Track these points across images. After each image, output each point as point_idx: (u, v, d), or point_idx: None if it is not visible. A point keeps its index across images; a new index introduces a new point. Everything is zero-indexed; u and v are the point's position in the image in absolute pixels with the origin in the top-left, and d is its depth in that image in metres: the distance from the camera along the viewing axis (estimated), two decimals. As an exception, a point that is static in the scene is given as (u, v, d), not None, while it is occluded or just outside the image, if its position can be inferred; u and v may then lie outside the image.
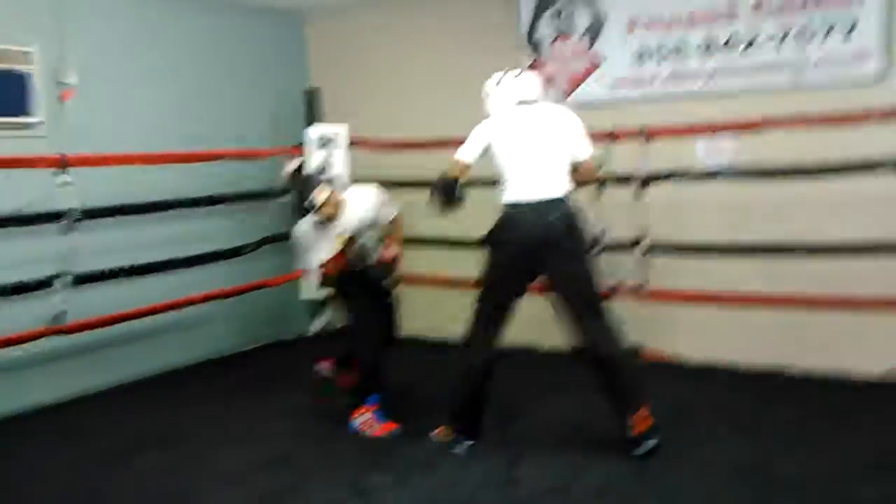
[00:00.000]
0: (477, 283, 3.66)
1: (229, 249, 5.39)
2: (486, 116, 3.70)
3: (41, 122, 4.63)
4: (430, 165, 5.41)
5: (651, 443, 3.44)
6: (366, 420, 3.90)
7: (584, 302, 3.53)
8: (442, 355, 5.30)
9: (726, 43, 4.75)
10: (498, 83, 3.71)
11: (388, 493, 3.25)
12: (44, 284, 4.33)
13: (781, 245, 4.40)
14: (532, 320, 5.34)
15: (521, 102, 3.67)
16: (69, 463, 3.70)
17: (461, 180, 3.57)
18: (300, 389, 4.67)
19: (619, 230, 4.72)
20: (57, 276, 4.36)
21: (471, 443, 3.66)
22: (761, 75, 4.66)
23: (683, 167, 4.65)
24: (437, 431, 3.77)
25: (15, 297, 4.28)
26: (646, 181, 4.61)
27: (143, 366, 5.12)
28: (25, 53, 4.56)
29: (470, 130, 4.96)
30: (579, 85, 5.30)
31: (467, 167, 3.58)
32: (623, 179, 4.68)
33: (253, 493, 3.29)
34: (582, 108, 5.19)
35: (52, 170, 4.34)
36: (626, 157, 4.66)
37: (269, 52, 6.13)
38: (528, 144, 3.57)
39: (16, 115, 4.54)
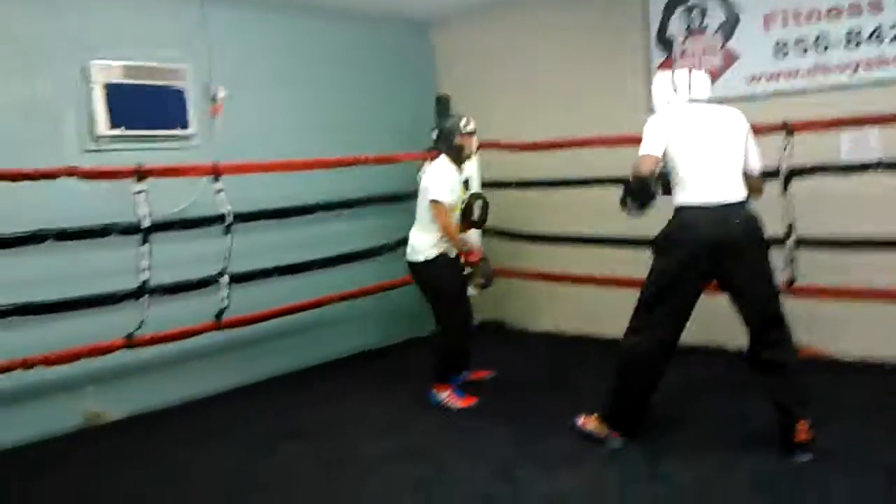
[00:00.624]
0: (646, 284, 3.56)
1: (369, 249, 5.58)
2: (652, 112, 3.64)
3: (195, 134, 4.95)
4: (560, 166, 5.56)
5: (807, 457, 3.34)
6: (448, 395, 4.35)
7: (764, 308, 3.45)
8: (582, 348, 5.37)
9: (872, 34, 4.59)
10: (671, 78, 3.63)
11: (535, 483, 3.30)
12: (205, 283, 4.60)
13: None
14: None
15: (693, 100, 3.59)
16: (218, 453, 3.92)
17: (653, 176, 3.48)
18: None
19: (767, 226, 4.60)
20: (218, 275, 4.64)
21: (624, 440, 3.62)
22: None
23: (829, 160, 4.50)
24: (583, 421, 3.74)
25: (178, 294, 4.56)
26: (790, 175, 4.48)
27: (293, 360, 5.38)
28: (179, 71, 4.88)
29: (600, 129, 5.01)
30: (714, 81, 5.20)
31: (657, 161, 3.47)
32: (767, 174, 4.55)
33: (399, 482, 3.41)
34: (719, 104, 5.16)
35: (207, 177, 4.64)
36: (768, 152, 4.53)
37: (401, 59, 6.31)
38: (706, 144, 3.48)
39: (174, 127, 4.87)
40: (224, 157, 4.80)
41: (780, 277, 4.54)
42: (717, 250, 3.38)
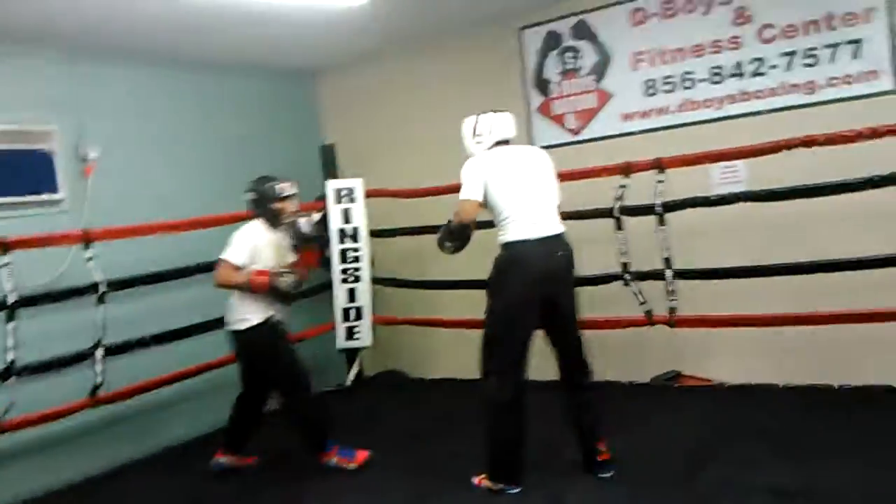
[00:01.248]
0: (489, 324, 3.64)
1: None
2: (468, 156, 3.78)
3: (64, 199, 4.73)
4: (445, 211, 5.56)
5: (611, 471, 3.68)
6: (338, 458, 4.15)
7: (574, 336, 3.74)
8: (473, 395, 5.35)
9: (735, 71, 4.82)
10: (477, 123, 3.81)
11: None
12: (79, 358, 4.36)
13: (805, 263, 4.37)
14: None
15: (500, 142, 3.77)
16: None
17: (474, 219, 3.65)
18: (343, 437, 4.65)
19: (645, 259, 4.72)
20: (92, 349, 4.41)
21: (518, 489, 3.61)
22: (772, 97, 4.72)
23: (700, 194, 4.66)
24: (479, 480, 3.70)
25: (51, 371, 4.30)
26: (665, 209, 4.61)
27: (188, 428, 5.15)
28: (47, 133, 4.67)
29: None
30: (589, 121, 5.36)
31: (479, 205, 3.63)
32: (642, 209, 4.68)
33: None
34: (594, 143, 5.31)
35: (78, 245, 4.43)
36: (643, 189, 4.67)
37: (283, 110, 6.25)
38: (524, 182, 3.66)
39: (41, 192, 4.64)
40: (97, 221, 4.62)
41: (662, 308, 4.70)
42: (546, 281, 3.57)
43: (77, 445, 4.59)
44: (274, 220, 4.19)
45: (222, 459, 4.33)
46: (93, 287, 4.41)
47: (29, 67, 4.66)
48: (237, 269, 3.99)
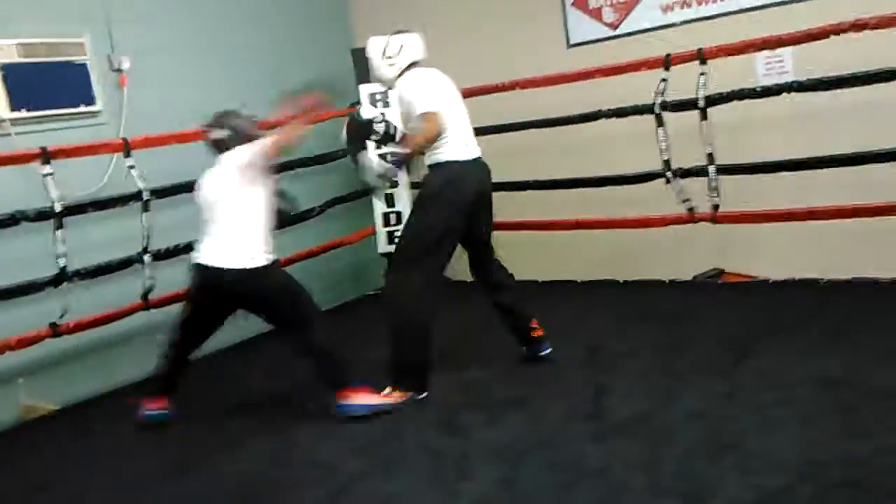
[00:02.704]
0: (418, 235, 3.69)
1: (298, 214, 5.45)
2: (387, 77, 3.81)
3: (102, 110, 4.74)
4: (479, 111, 5.49)
5: (548, 348, 3.97)
6: (364, 395, 3.66)
7: (488, 244, 3.95)
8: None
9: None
10: (388, 44, 3.78)
11: (481, 430, 3.31)
12: (127, 263, 4.45)
13: (853, 154, 4.26)
14: (610, 253, 5.40)
15: (412, 64, 3.78)
16: (164, 435, 3.81)
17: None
18: (384, 342, 4.74)
19: (688, 156, 4.64)
20: (142, 254, 4.50)
21: (425, 395, 3.72)
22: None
23: (745, 86, 4.52)
24: (385, 394, 3.72)
25: (100, 277, 4.41)
26: (707, 103, 4.49)
27: (236, 332, 5.23)
28: (78, 44, 4.65)
29: (519, 71, 4.97)
30: (628, 13, 5.19)
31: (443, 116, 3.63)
32: (684, 104, 4.57)
33: (351, 439, 3.40)
34: (633, 37, 5.16)
35: (119, 154, 4.47)
36: (685, 82, 4.55)
37: (314, 14, 6.14)
38: (456, 103, 3.76)
39: (79, 104, 4.66)
40: (135, 130, 4.63)
41: (704, 206, 4.64)
42: (477, 201, 3.74)
43: (129, 348, 4.73)
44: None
45: (160, 409, 3.82)
46: (136, 195, 4.46)
47: (57, -23, 4.61)
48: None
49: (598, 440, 3.07)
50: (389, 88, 3.97)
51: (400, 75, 3.76)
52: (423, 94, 3.61)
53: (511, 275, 4.06)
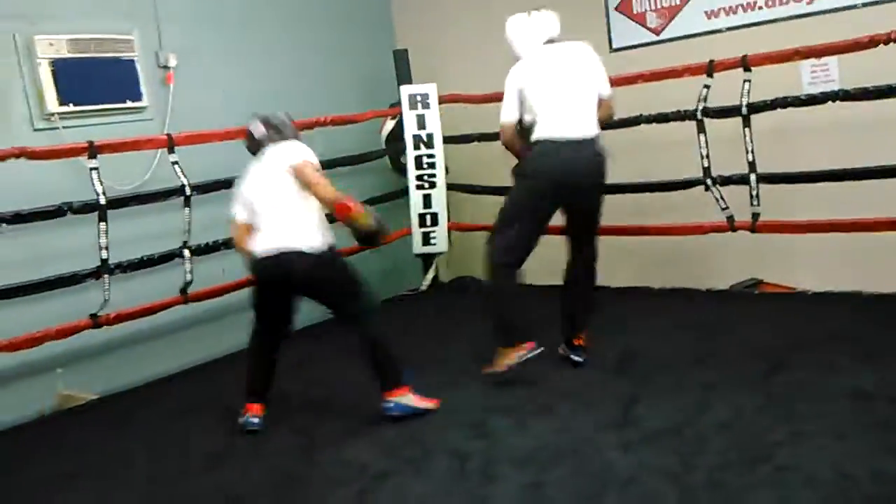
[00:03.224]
0: (505, 207, 3.82)
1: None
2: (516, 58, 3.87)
3: (148, 106, 4.84)
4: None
5: (583, 357, 3.95)
6: (413, 398, 3.61)
7: (588, 236, 3.94)
8: (547, 297, 5.38)
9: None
10: (526, 22, 3.87)
11: (509, 436, 3.31)
12: (167, 258, 4.53)
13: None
14: (646, 260, 5.36)
15: (547, 42, 3.83)
16: (195, 427, 3.87)
17: (513, 137, 3.85)
18: (418, 342, 4.77)
19: (728, 163, 4.58)
20: (181, 249, 4.58)
21: (539, 349, 3.77)
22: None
23: (789, 94, 4.46)
24: (493, 366, 3.82)
25: (141, 270, 4.50)
26: (750, 111, 4.44)
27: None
28: (127, 41, 4.75)
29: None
30: (672, 19, 5.15)
31: (514, 125, 3.84)
32: (726, 111, 4.52)
33: (380, 440, 3.42)
34: (677, 42, 5.11)
35: (163, 150, 4.56)
36: (727, 89, 4.50)
37: (357, 17, 6.19)
38: (560, 83, 3.74)
39: (126, 100, 4.75)
40: (180, 126, 4.71)
41: (743, 214, 4.58)
42: (562, 185, 3.72)
43: (167, 341, 4.81)
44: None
45: (258, 416, 3.71)
46: (179, 190, 4.54)
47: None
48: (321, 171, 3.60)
49: (628, 449, 3.05)
50: None
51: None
52: (504, 97, 3.85)
53: (591, 276, 4.05)
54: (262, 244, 3.55)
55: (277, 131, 3.73)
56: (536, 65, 3.79)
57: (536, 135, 3.74)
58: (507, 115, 3.83)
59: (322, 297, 3.68)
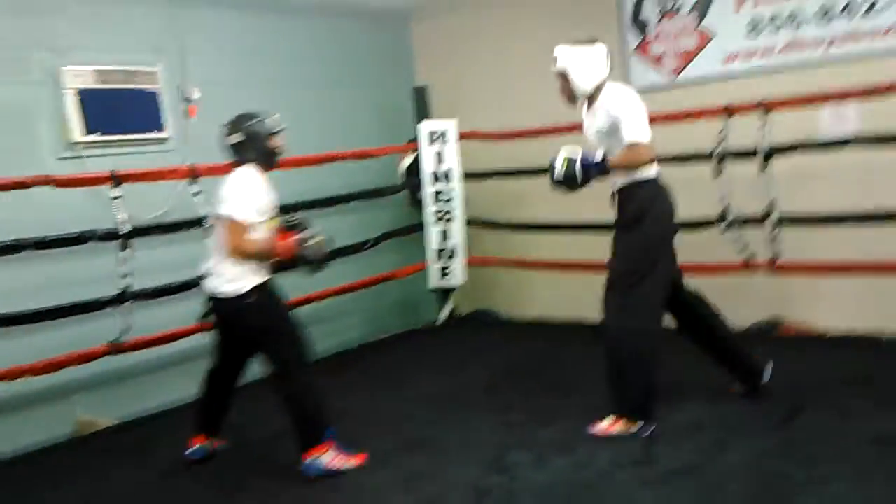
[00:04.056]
0: (635, 260, 3.52)
1: (350, 246, 5.54)
2: (581, 90, 3.60)
3: (171, 137, 4.90)
4: (540, 154, 5.52)
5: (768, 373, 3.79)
6: (332, 456, 3.43)
7: (677, 275, 3.73)
8: (569, 333, 5.38)
9: (844, 8, 4.59)
10: (603, 53, 3.60)
11: (528, 471, 3.30)
12: (187, 286, 4.56)
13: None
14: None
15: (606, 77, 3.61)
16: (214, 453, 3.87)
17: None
18: (436, 375, 4.77)
19: (748, 204, 4.61)
20: (200, 278, 4.58)
21: (654, 426, 3.55)
22: (882, 39, 4.49)
23: (807, 138, 4.50)
24: (607, 427, 3.58)
25: (161, 298, 4.54)
26: (769, 154, 4.47)
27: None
28: (151, 73, 4.83)
29: (578, 116, 4.98)
30: (689, 62, 5.21)
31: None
32: (745, 154, 4.56)
33: (398, 473, 3.41)
34: (694, 84, 5.17)
35: (185, 180, 4.60)
36: (746, 131, 4.54)
37: (378, 53, 6.28)
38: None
39: (149, 131, 4.82)
40: (201, 158, 4.77)
41: (763, 255, 4.60)
42: (675, 221, 3.63)
43: (185, 369, 4.80)
44: (270, 161, 3.54)
45: (200, 445, 3.73)
46: (199, 220, 4.58)
47: (134, 10, 4.81)
48: (247, 231, 3.34)
49: (647, 488, 3.04)
50: (576, 102, 3.72)
51: (598, 88, 3.60)
52: (637, 118, 3.44)
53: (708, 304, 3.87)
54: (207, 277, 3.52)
55: (249, 140, 3.47)
56: (641, 102, 3.53)
57: (645, 174, 3.52)
58: (649, 134, 3.46)
59: (246, 343, 3.55)
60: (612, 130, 3.50)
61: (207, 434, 3.73)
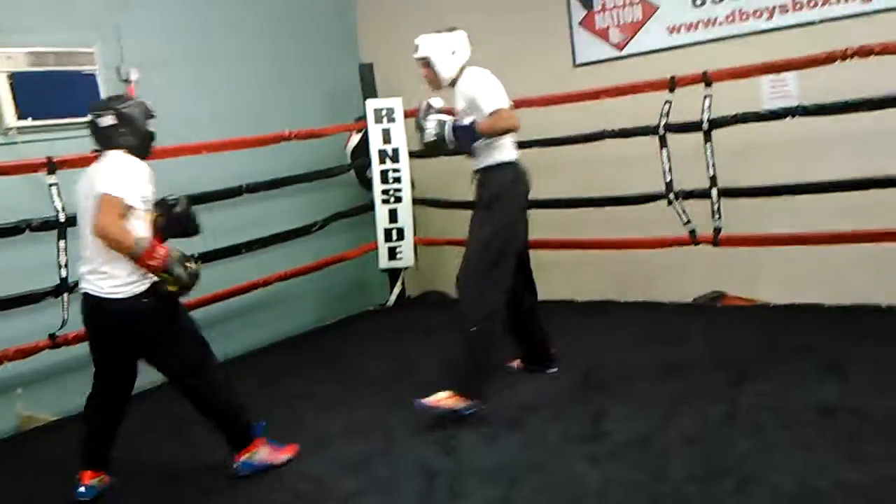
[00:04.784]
0: (491, 240, 3.59)
1: (298, 228, 5.48)
2: (447, 76, 3.74)
3: (109, 120, 4.76)
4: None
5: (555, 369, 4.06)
6: (265, 451, 3.30)
7: (527, 255, 3.96)
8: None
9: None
10: (455, 40, 3.78)
11: (476, 451, 3.30)
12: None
13: (857, 180, 4.26)
14: (610, 273, 5.39)
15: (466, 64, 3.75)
16: (176, 438, 3.81)
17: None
18: (386, 358, 4.75)
19: (691, 177, 4.64)
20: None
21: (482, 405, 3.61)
22: (825, 6, 4.53)
23: (749, 109, 4.53)
24: (440, 400, 3.57)
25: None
26: (712, 126, 4.50)
27: (237, 343, 5.27)
28: (88, 54, 4.68)
29: (526, 91, 4.95)
30: (634, 35, 5.21)
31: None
32: (688, 126, 4.58)
33: (344, 457, 3.39)
34: (639, 58, 5.17)
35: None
36: (689, 104, 4.56)
37: (322, 29, 6.17)
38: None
39: (85, 114, 4.66)
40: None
41: (706, 228, 4.64)
42: (527, 204, 3.81)
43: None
44: (147, 147, 3.21)
45: (92, 482, 3.25)
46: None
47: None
48: (124, 214, 2.93)
49: (596, 463, 3.06)
50: (441, 87, 3.84)
51: (459, 73, 3.73)
52: (491, 91, 3.59)
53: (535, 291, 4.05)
54: (81, 278, 3.13)
55: (122, 122, 3.10)
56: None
57: (504, 156, 3.67)
58: (506, 100, 3.61)
59: (138, 352, 3.18)
60: (472, 108, 3.63)
61: (96, 468, 3.27)
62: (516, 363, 4.17)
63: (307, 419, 3.88)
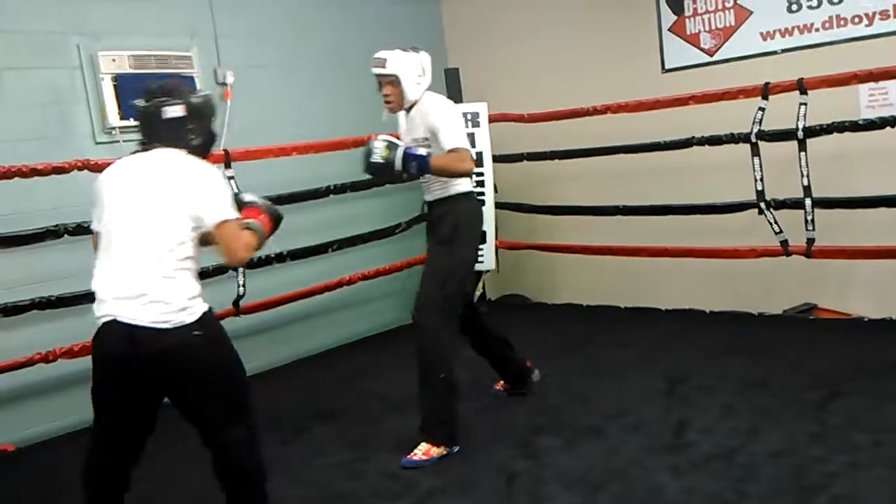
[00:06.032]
0: (455, 272, 3.49)
1: (382, 229, 5.57)
2: (412, 98, 3.57)
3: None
4: (573, 136, 5.48)
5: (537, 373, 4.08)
6: None
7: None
8: (600, 318, 5.35)
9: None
10: (422, 61, 3.62)
11: (557, 456, 3.30)
12: (220, 272, 4.61)
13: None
14: (697, 282, 5.31)
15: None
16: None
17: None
18: (466, 360, 4.75)
19: (783, 187, 4.52)
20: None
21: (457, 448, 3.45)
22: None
23: (846, 118, 4.39)
24: (423, 454, 3.38)
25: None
26: (807, 135, 4.38)
27: (314, 342, 5.40)
28: (186, 57, 4.86)
29: (612, 97, 4.89)
30: (726, 40, 5.11)
31: None
32: (781, 134, 4.47)
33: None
34: (731, 63, 5.08)
35: (219, 165, 4.63)
36: (782, 113, 4.45)
37: (409, 33, 6.22)
38: None
39: (184, 115, 4.85)
40: (235, 143, 4.80)
41: (798, 238, 4.52)
42: None
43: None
44: (209, 150, 2.73)
45: None
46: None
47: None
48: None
49: (678, 474, 3.02)
50: (400, 109, 3.66)
51: (420, 97, 3.58)
52: (456, 127, 3.47)
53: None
54: (101, 303, 2.45)
55: (193, 115, 2.60)
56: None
57: (465, 187, 3.55)
58: (466, 142, 3.48)
59: (174, 395, 2.51)
60: (432, 140, 3.46)
61: None
62: (499, 385, 4.11)
63: (385, 418, 3.95)
